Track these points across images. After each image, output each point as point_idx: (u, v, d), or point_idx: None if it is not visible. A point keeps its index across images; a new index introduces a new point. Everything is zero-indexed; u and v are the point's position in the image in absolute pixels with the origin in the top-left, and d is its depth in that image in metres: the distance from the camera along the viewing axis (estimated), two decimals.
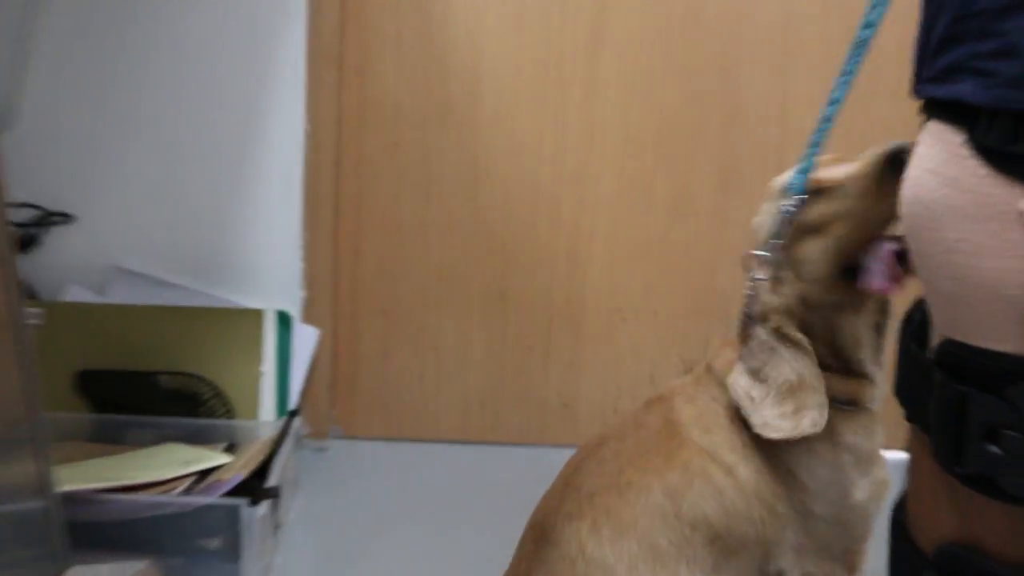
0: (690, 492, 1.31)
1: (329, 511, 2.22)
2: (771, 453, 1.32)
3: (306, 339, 2.49)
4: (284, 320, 2.39)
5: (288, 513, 2.18)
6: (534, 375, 2.64)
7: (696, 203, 2.57)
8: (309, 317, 2.53)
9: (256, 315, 2.36)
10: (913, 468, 1.20)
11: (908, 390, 1.18)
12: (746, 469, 1.33)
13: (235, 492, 1.92)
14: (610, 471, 1.36)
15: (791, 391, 1.27)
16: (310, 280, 2.51)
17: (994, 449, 1.00)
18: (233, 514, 1.86)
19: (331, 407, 2.66)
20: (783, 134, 2.50)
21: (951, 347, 1.04)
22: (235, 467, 2.00)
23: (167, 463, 1.96)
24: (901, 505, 1.26)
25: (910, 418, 1.19)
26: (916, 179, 1.04)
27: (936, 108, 1.02)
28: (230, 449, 2.17)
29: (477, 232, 2.58)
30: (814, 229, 1.30)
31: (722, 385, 1.38)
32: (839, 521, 1.33)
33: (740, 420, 1.34)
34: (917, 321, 1.18)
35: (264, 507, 1.90)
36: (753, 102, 2.51)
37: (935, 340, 1.08)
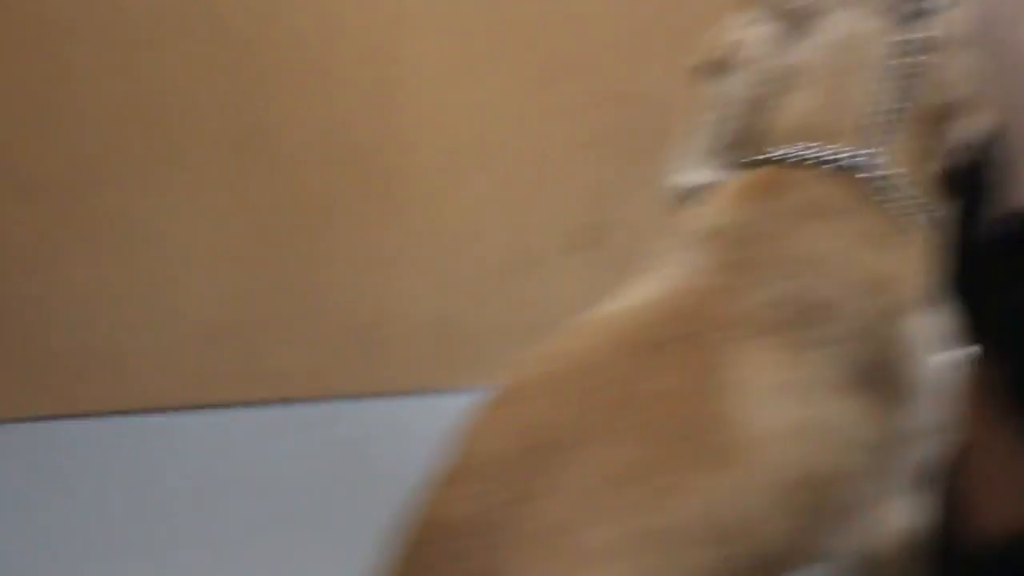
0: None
1: None
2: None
3: None
4: None
5: None
6: (319, 280, 2.13)
7: None
8: None
9: None
10: (973, 422, 1.14)
11: (966, 289, 1.08)
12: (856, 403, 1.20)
13: None
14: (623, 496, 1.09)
15: None
16: None
17: None
18: None
19: None
20: None
21: None
22: None
23: None
24: (950, 474, 1.25)
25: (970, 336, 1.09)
26: None
27: None
28: None
29: (202, 19, 2.00)
30: None
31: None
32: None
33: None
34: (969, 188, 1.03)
35: None
36: None
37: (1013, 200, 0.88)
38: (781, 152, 1.24)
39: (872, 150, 1.22)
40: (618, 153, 2.16)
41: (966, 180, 1.19)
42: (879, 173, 1.23)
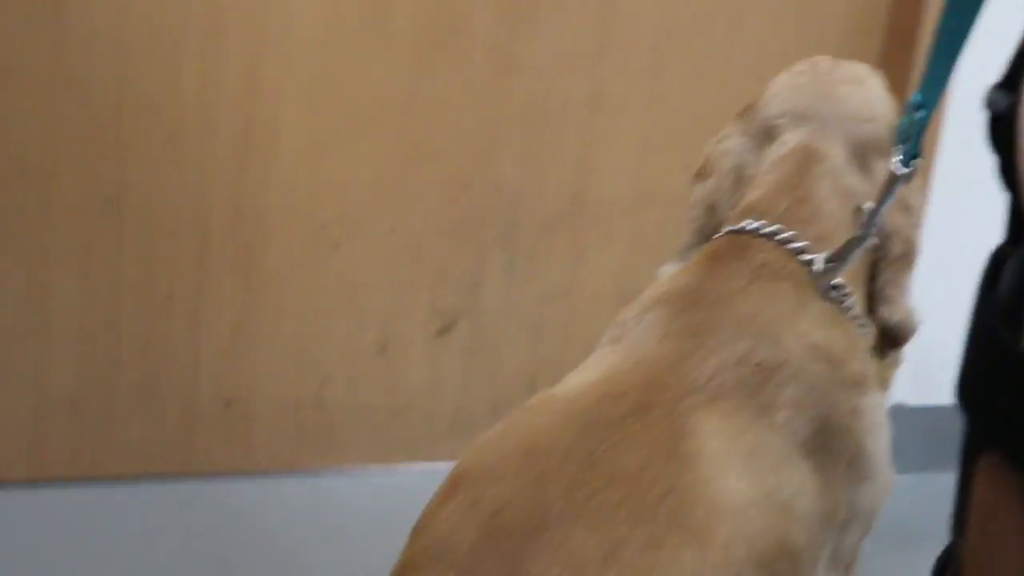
0: None
1: None
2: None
3: None
4: None
5: None
6: (174, 349, 2.09)
7: (463, 36, 2.10)
8: None
9: None
10: (990, 519, 1.09)
11: (989, 397, 1.06)
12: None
13: None
14: None
15: None
16: None
17: None
18: None
19: None
20: None
21: None
22: None
23: None
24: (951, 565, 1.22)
25: (988, 440, 1.06)
26: None
27: None
28: None
29: (61, 93, 1.95)
30: None
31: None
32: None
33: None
34: (1008, 290, 1.02)
35: None
36: None
37: None
38: (736, 226, 1.28)
39: (812, 242, 1.26)
40: (474, 240, 2.19)
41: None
42: (821, 264, 1.26)
